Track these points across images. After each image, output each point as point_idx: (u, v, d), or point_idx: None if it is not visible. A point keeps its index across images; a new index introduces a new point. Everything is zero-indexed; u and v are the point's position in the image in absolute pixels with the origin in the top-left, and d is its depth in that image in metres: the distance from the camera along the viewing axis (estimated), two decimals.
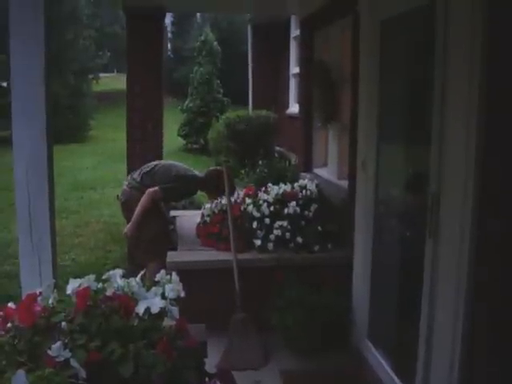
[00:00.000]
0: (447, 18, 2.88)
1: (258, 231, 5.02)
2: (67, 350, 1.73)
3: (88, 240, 8.35)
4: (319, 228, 5.07)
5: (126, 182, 5.64)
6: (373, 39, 4.00)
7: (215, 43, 18.78)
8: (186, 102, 18.08)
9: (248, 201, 5.24)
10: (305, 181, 5.83)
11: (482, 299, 2.69)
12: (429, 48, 3.08)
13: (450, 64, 2.87)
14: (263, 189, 5.51)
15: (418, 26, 3.58)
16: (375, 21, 3.96)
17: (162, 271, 2.26)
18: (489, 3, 2.53)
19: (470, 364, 2.78)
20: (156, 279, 2.21)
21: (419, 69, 3.56)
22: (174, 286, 2.14)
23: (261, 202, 5.19)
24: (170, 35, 31.75)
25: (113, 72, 35.90)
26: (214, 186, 5.48)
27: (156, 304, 2.02)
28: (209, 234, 5.20)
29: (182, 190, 5.46)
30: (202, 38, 19.01)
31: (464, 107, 2.71)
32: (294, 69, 9.28)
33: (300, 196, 5.33)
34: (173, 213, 6.59)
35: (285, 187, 5.47)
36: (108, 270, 2.21)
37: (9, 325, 1.92)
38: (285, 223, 5.02)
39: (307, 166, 7.00)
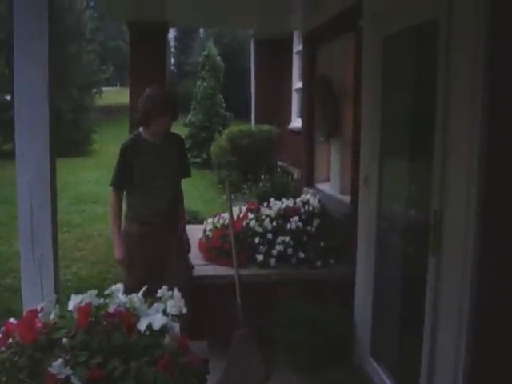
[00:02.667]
0: (450, 34, 2.89)
1: (260, 246, 5.01)
2: (68, 367, 1.72)
3: (90, 254, 8.32)
4: (321, 243, 5.06)
5: None
6: (376, 54, 4.01)
7: (218, 58, 18.83)
8: (189, 117, 18.11)
9: (250, 216, 5.24)
10: (307, 196, 5.84)
11: (484, 315, 2.67)
12: (431, 63, 3.08)
13: (453, 79, 2.87)
14: (266, 204, 5.50)
15: (421, 42, 3.59)
16: (378, 36, 3.98)
17: (164, 287, 2.25)
18: (491, 18, 2.53)
19: (473, 379, 2.75)
20: (158, 295, 2.20)
21: (422, 84, 3.56)
22: (175, 303, 2.13)
23: (263, 217, 5.19)
24: (173, 50, 31.89)
25: (116, 86, 36.05)
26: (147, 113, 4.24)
27: (157, 320, 2.01)
28: (211, 248, 5.19)
29: (119, 158, 4.33)
30: (205, 52, 19.06)
31: (467, 122, 2.71)
32: (297, 83, 9.30)
33: (302, 211, 5.33)
34: None
35: (287, 202, 5.47)
36: (110, 285, 2.20)
37: (10, 341, 1.91)
38: (287, 239, 5.01)
39: (310, 181, 7.00)
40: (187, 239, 4.57)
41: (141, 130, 4.35)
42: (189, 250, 4.60)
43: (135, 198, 4.32)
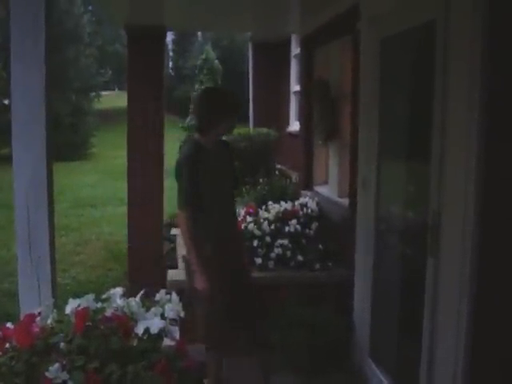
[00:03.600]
0: (447, 32, 2.89)
1: (259, 249, 5.00)
2: (65, 372, 1.71)
3: (88, 258, 8.32)
4: (320, 246, 5.06)
5: None
6: (373, 57, 4.01)
7: (216, 61, 18.86)
8: (188, 120, 18.13)
9: (249, 219, 5.23)
10: (305, 199, 5.83)
11: (483, 317, 2.67)
12: (429, 66, 3.08)
13: (450, 81, 2.87)
14: (264, 207, 5.50)
15: (418, 44, 3.59)
16: (375, 39, 3.98)
17: (162, 291, 2.25)
18: (488, 16, 2.53)
19: (473, 382, 2.75)
20: (156, 299, 2.20)
21: (419, 86, 3.56)
22: (173, 306, 2.12)
23: (262, 220, 5.18)
24: (171, 53, 31.91)
25: (114, 90, 36.07)
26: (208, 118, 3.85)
27: (155, 324, 2.00)
28: None
29: (185, 173, 3.77)
30: (203, 56, 19.10)
31: (464, 124, 2.70)
32: (295, 87, 9.30)
33: (301, 214, 5.32)
34: (174, 231, 6.57)
35: (285, 205, 5.46)
36: (108, 289, 2.20)
37: (7, 345, 1.90)
38: (285, 242, 5.01)
39: (308, 184, 6.98)
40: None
41: (196, 136, 3.92)
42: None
43: (202, 215, 3.80)
